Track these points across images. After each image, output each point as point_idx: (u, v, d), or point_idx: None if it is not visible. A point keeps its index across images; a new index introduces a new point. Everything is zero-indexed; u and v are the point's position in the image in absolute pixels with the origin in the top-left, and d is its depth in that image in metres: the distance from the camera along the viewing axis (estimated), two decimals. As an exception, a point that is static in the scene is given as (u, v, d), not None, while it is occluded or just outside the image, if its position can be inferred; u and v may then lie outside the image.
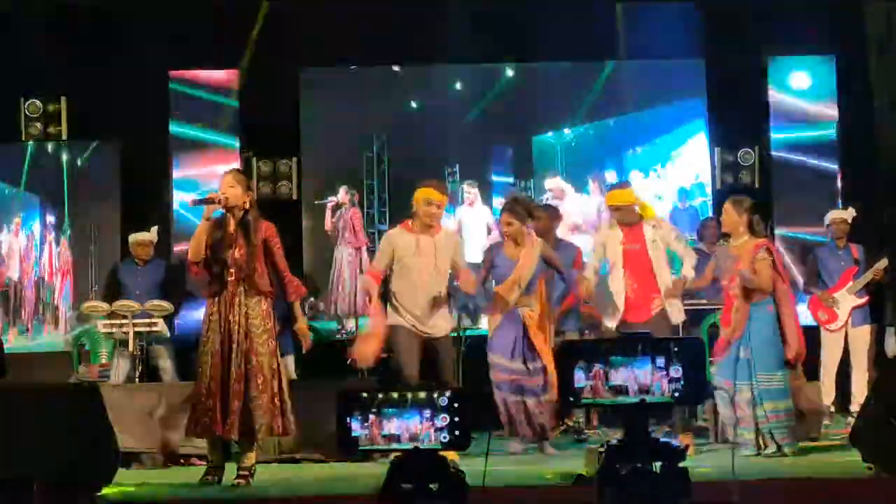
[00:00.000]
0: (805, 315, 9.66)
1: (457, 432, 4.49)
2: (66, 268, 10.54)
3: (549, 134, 11.12)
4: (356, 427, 4.51)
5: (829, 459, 6.86)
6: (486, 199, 10.88)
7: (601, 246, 7.79)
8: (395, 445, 4.55)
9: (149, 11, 10.25)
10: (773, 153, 10.58)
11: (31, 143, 10.65)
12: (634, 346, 4.45)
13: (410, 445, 4.51)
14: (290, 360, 9.01)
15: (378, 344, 7.26)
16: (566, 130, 11.11)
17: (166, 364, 9.20)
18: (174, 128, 10.59)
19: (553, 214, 8.83)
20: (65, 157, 10.65)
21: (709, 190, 10.81)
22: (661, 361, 4.41)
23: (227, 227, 6.33)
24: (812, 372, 9.55)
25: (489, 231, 10.64)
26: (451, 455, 5.19)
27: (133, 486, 6.35)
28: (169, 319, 9.04)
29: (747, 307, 7.17)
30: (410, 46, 10.59)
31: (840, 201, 10.29)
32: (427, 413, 4.50)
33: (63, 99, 10.61)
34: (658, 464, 4.40)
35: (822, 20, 10.22)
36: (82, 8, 10.32)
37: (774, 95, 10.57)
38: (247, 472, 6.30)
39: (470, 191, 10.84)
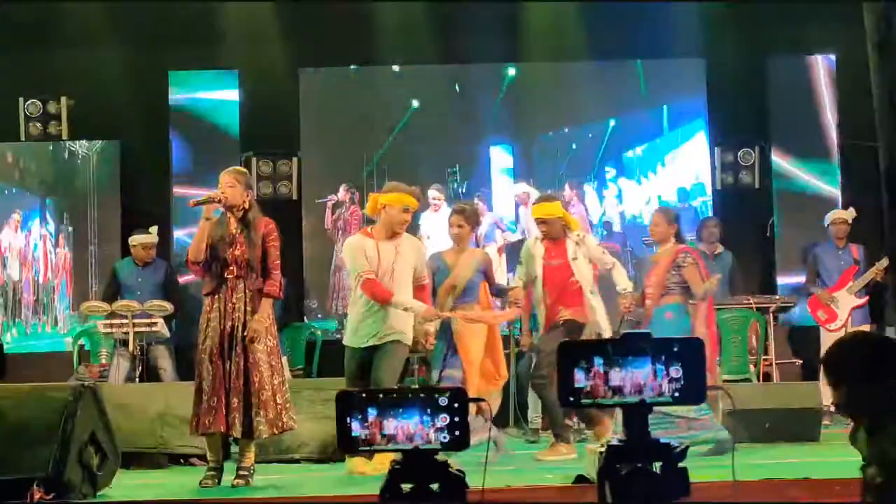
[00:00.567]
0: (805, 315, 9.70)
1: (457, 432, 4.49)
2: (65, 268, 10.54)
3: (550, 134, 11.12)
4: (356, 427, 4.50)
5: (829, 459, 6.86)
6: (486, 201, 10.86)
7: (524, 260, 7.67)
8: (394, 445, 4.55)
9: (149, 11, 10.26)
10: (773, 153, 10.58)
11: (31, 143, 10.65)
12: (634, 346, 4.44)
13: (410, 445, 4.51)
14: (283, 360, 9.01)
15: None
16: (566, 130, 11.11)
17: (166, 364, 9.21)
18: (174, 128, 10.59)
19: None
20: (65, 157, 10.65)
21: (709, 190, 10.81)
22: (661, 361, 4.41)
23: (228, 225, 6.33)
24: (812, 372, 9.58)
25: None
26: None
27: (133, 486, 6.35)
28: (169, 319, 9.04)
29: (652, 310, 7.26)
30: (410, 46, 10.59)
31: (840, 201, 10.29)
32: (427, 413, 4.50)
33: (63, 99, 10.62)
34: (658, 464, 4.40)
35: (822, 20, 10.22)
36: (83, 8, 10.32)
37: (774, 95, 10.57)
38: (246, 472, 6.31)
39: (437, 196, 10.54)
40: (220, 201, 6.29)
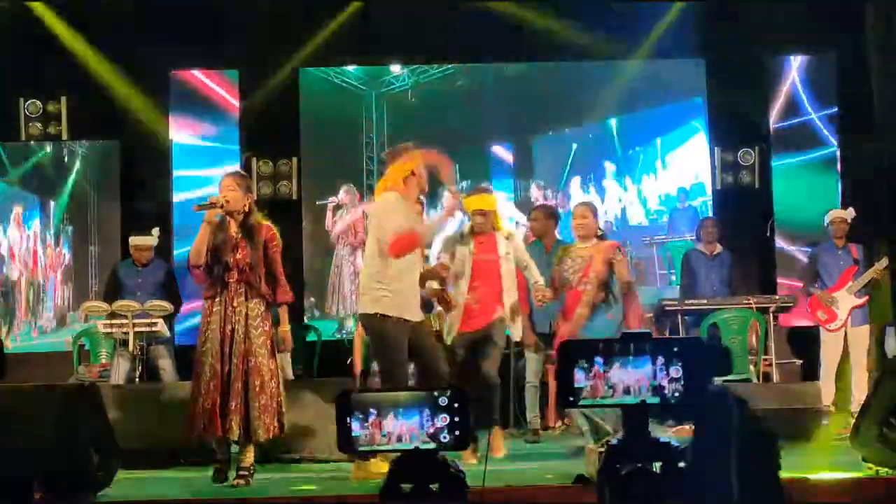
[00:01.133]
0: (805, 315, 9.69)
1: (457, 432, 4.49)
2: (65, 268, 10.54)
3: (550, 134, 11.12)
4: (356, 427, 4.50)
5: (829, 459, 6.86)
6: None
7: (451, 253, 7.49)
8: (395, 445, 4.55)
9: (149, 11, 10.26)
10: (773, 153, 10.59)
11: (31, 143, 10.65)
12: (634, 346, 4.45)
13: (410, 445, 4.51)
14: (287, 359, 9.02)
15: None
16: (566, 130, 11.11)
17: (166, 364, 9.21)
18: (174, 128, 10.59)
19: (548, 213, 8.79)
20: (65, 157, 10.66)
21: (709, 190, 10.81)
22: (661, 361, 4.41)
23: (229, 229, 6.34)
24: (812, 372, 9.59)
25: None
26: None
27: (132, 486, 6.35)
28: (169, 319, 9.04)
29: (591, 309, 7.22)
30: (410, 46, 10.59)
31: (840, 201, 10.29)
32: (427, 413, 4.50)
33: (63, 99, 10.62)
34: (658, 464, 4.40)
35: (822, 20, 10.22)
36: (83, 7, 10.33)
37: (774, 95, 10.57)
38: (246, 472, 6.31)
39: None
40: (222, 206, 6.29)
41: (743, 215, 10.79)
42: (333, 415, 4.57)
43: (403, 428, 4.51)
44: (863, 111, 9.71)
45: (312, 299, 10.80)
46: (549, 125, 11.10)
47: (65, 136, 10.63)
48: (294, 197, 10.76)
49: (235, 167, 10.17)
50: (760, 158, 10.66)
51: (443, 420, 4.49)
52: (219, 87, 10.66)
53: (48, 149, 10.67)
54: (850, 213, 9.59)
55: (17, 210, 10.63)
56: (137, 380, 8.61)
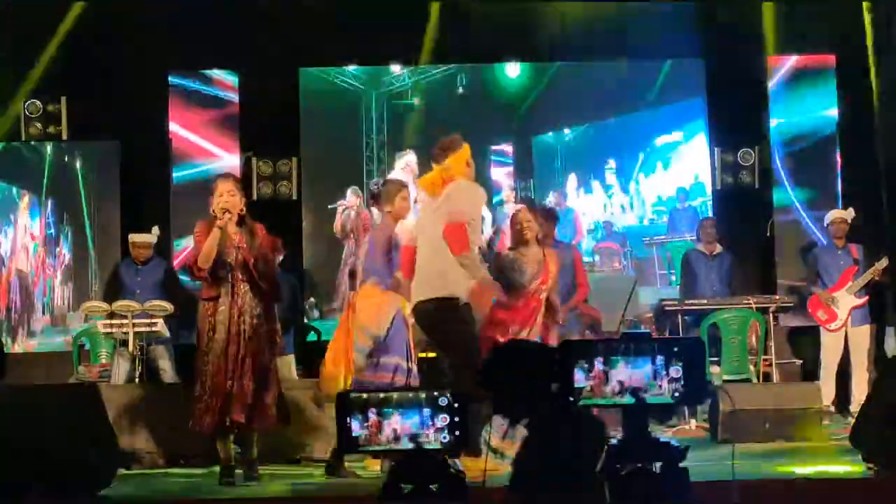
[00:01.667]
0: (805, 315, 9.70)
1: (457, 432, 4.50)
2: (65, 268, 10.54)
3: (549, 134, 11.12)
4: (356, 427, 4.51)
5: (829, 459, 6.86)
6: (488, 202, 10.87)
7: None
8: (395, 446, 4.56)
9: (149, 11, 10.27)
10: (773, 153, 10.58)
11: (31, 143, 10.66)
12: (634, 346, 4.45)
13: (410, 445, 4.51)
14: (292, 359, 9.03)
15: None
16: (566, 130, 11.12)
17: (166, 364, 9.21)
18: (174, 128, 10.59)
19: (549, 216, 8.80)
20: (65, 157, 10.65)
21: (709, 190, 10.81)
22: (661, 361, 4.41)
23: (227, 230, 6.40)
24: (812, 372, 9.59)
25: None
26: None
27: (133, 485, 6.35)
28: (169, 319, 9.04)
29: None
30: (410, 46, 10.59)
31: (840, 201, 10.29)
32: (427, 413, 4.51)
33: (63, 99, 10.61)
34: (658, 464, 4.41)
35: (822, 20, 10.22)
36: (83, 7, 10.33)
37: (774, 95, 10.56)
38: (252, 468, 6.47)
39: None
40: (228, 211, 6.37)
41: (743, 215, 10.79)
42: (333, 415, 4.58)
43: (403, 428, 4.51)
44: (862, 111, 9.72)
45: (313, 299, 10.80)
46: (549, 125, 11.09)
47: (65, 136, 10.63)
48: (294, 197, 10.76)
49: (235, 168, 10.19)
50: (760, 158, 10.66)
51: (443, 420, 4.50)
52: (219, 87, 10.66)
53: (48, 149, 10.67)
54: (850, 213, 9.59)
55: (17, 210, 10.63)
56: (137, 380, 8.61)
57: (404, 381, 6.44)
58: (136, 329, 8.67)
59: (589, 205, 10.97)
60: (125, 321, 8.70)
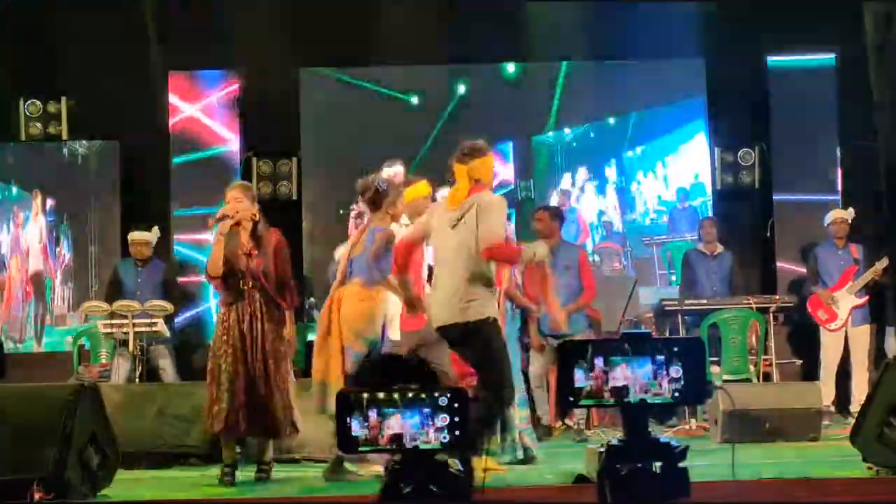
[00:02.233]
0: (805, 315, 9.70)
1: (457, 432, 4.49)
2: (65, 268, 10.54)
3: (550, 134, 11.12)
4: (356, 427, 4.51)
5: (829, 459, 6.86)
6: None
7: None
8: (395, 445, 4.55)
9: (149, 11, 10.27)
10: (773, 153, 10.58)
11: (31, 143, 10.66)
12: (634, 346, 4.45)
13: (410, 445, 4.51)
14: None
15: None
16: (566, 130, 11.11)
17: (166, 364, 9.22)
18: (174, 128, 10.59)
19: (555, 214, 8.80)
20: (65, 157, 10.65)
21: (709, 190, 10.81)
22: (661, 361, 4.41)
23: (239, 238, 6.49)
24: (812, 372, 9.59)
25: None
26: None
27: (133, 486, 6.35)
28: (169, 319, 9.05)
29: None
30: (410, 46, 10.58)
31: (840, 201, 10.29)
32: (427, 413, 4.50)
33: (63, 99, 10.62)
34: (658, 464, 4.40)
35: (822, 20, 10.22)
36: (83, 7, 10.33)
37: (774, 95, 10.56)
38: (267, 467, 6.60)
39: None
40: (232, 217, 6.45)
41: (743, 215, 10.79)
42: (333, 415, 4.57)
43: (403, 428, 4.51)
44: (862, 111, 9.71)
45: (313, 299, 10.78)
46: (549, 125, 11.09)
47: (65, 136, 10.63)
48: (294, 197, 10.76)
49: (239, 180, 10.19)
50: (760, 158, 10.66)
51: (443, 420, 4.49)
52: (219, 87, 10.66)
53: (48, 149, 10.66)
54: (850, 213, 9.60)
55: (17, 210, 10.63)
56: (137, 380, 8.61)
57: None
58: (136, 329, 8.68)
59: (589, 205, 10.95)
60: (125, 321, 8.71)
